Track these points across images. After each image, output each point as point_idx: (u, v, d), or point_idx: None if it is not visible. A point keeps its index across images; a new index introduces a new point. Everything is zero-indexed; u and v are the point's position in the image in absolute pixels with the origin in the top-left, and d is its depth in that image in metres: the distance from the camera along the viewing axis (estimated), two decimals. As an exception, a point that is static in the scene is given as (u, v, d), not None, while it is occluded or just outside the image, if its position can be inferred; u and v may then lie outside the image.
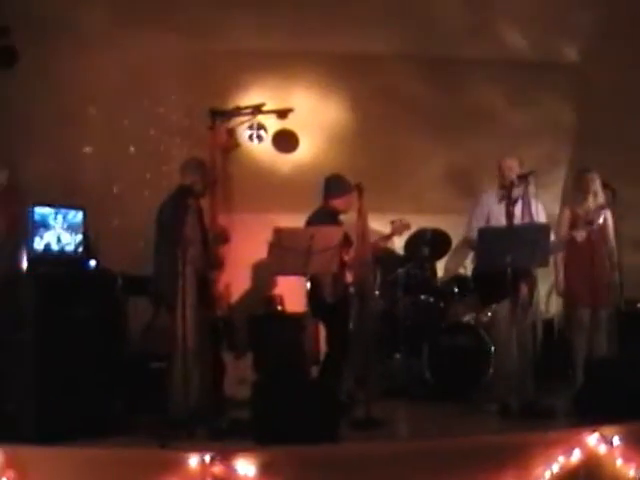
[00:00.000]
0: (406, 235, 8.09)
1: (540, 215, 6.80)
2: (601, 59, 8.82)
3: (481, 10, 8.60)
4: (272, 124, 8.49)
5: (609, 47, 8.64)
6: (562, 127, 9.48)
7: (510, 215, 6.71)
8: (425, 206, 9.00)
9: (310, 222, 6.87)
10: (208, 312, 6.48)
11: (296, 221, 7.14)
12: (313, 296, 6.42)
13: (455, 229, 8.67)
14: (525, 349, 6.47)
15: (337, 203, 7.05)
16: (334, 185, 7.09)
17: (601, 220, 7.08)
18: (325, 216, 6.93)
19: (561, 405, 6.31)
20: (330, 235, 6.24)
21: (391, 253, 8.29)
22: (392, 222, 7.43)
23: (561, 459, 5.23)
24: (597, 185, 7.22)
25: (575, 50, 9.06)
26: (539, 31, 8.91)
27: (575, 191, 7.39)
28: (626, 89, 8.73)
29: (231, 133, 8.16)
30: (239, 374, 7.35)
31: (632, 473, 5.27)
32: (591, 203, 7.15)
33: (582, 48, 8.94)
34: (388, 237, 7.47)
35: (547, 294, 8.11)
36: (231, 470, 4.92)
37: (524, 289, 6.56)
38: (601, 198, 7.18)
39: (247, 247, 8.06)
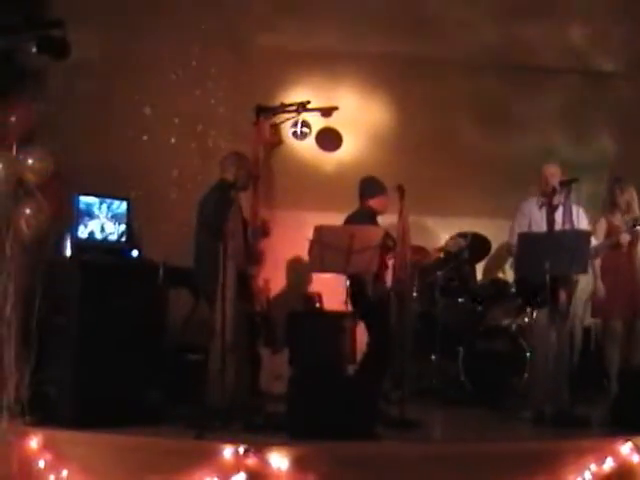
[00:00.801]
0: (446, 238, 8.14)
1: (581, 222, 6.79)
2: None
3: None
4: (316, 122, 8.54)
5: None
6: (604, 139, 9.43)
7: (551, 221, 6.74)
8: (466, 209, 8.98)
9: (348, 223, 6.94)
10: (247, 307, 6.54)
11: (336, 220, 7.18)
12: (354, 295, 6.46)
13: (496, 234, 8.69)
14: (562, 356, 6.45)
15: (373, 203, 7.19)
16: (368, 186, 7.26)
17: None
18: (363, 217, 7.02)
19: (595, 414, 6.26)
20: (371, 235, 6.28)
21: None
22: (447, 242, 7.69)
23: (593, 467, 5.23)
24: (631, 196, 7.23)
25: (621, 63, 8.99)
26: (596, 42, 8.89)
27: (609, 201, 7.39)
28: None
29: (275, 129, 8.21)
30: (275, 370, 7.41)
31: (664, 484, 5.25)
32: (626, 213, 7.17)
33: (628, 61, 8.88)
34: (440, 250, 7.54)
35: (585, 302, 8.06)
36: (264, 463, 4.97)
37: (563, 295, 6.54)
38: (636, 209, 7.19)
39: (287, 244, 8.13)
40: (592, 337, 8.32)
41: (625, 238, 7.06)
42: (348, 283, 6.28)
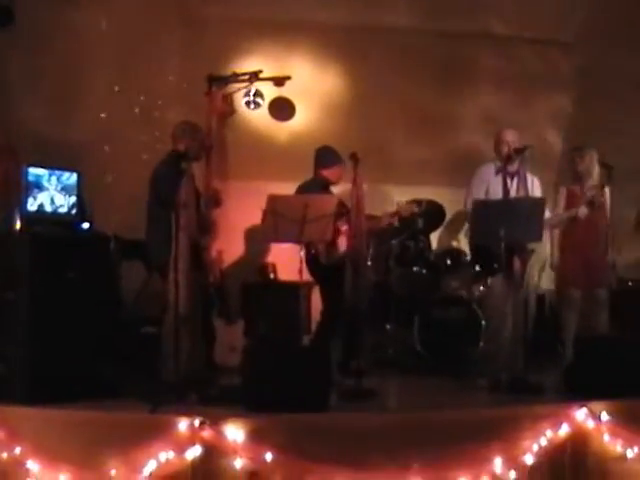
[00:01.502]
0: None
1: (536, 190, 6.80)
2: (600, 42, 8.77)
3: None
4: (269, 92, 8.44)
5: (608, 30, 8.59)
6: (558, 109, 9.45)
7: (506, 188, 6.71)
8: (420, 178, 8.97)
9: (299, 191, 6.89)
10: (200, 278, 6.47)
11: (290, 189, 7.14)
12: (310, 263, 6.42)
13: (450, 202, 8.69)
14: (517, 324, 6.45)
15: (327, 174, 7.18)
16: (324, 156, 7.22)
17: (602, 198, 7.08)
18: (315, 186, 6.98)
19: (550, 381, 6.30)
20: (324, 204, 6.23)
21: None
22: (398, 203, 7.46)
23: (549, 433, 5.26)
24: (592, 162, 7.21)
25: (572, 32, 8.97)
26: (539, 9, 8.84)
27: (570, 170, 7.38)
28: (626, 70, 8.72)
29: (227, 99, 8.08)
30: (230, 341, 7.37)
31: (619, 448, 5.30)
32: (587, 182, 7.16)
33: (580, 30, 8.85)
34: (392, 215, 7.49)
35: (539, 270, 8.10)
36: (220, 435, 4.95)
37: (517, 263, 6.54)
38: (596, 177, 7.19)
39: (240, 214, 8.08)
40: (546, 305, 8.38)
41: (583, 212, 7.04)
42: (303, 252, 6.24)
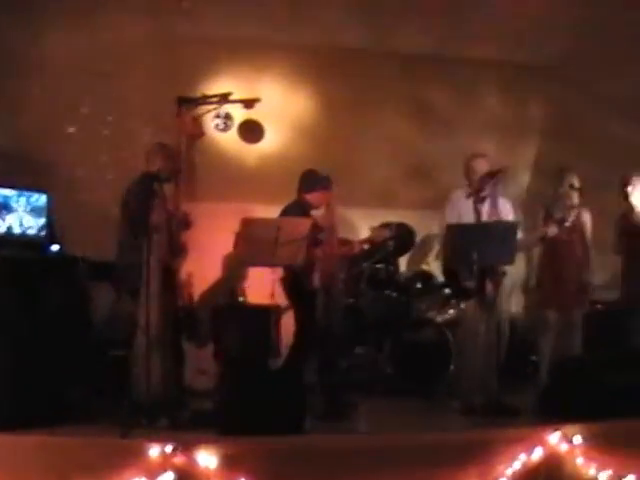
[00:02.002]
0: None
1: (508, 213, 6.81)
2: (574, 60, 8.85)
3: (456, 6, 8.56)
4: (238, 114, 8.42)
5: (583, 48, 8.67)
6: (531, 127, 9.53)
7: (478, 212, 6.72)
8: (391, 200, 9.00)
9: (282, 214, 6.83)
10: (170, 301, 6.39)
11: (259, 211, 7.14)
12: (290, 286, 6.39)
13: (419, 225, 8.72)
14: (490, 347, 6.45)
15: (311, 198, 7.08)
16: (309, 180, 7.12)
17: (571, 219, 7.10)
18: (297, 210, 6.91)
19: (525, 403, 6.30)
20: (298, 226, 6.20)
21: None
22: (371, 229, 7.44)
23: (523, 457, 5.22)
24: (573, 185, 7.25)
25: (551, 57, 9.04)
26: (514, 30, 8.90)
27: (553, 190, 7.40)
28: (597, 89, 8.80)
29: (197, 121, 8.04)
30: (199, 365, 7.29)
31: (592, 472, 5.28)
32: (567, 202, 7.20)
33: (555, 49, 8.92)
34: (365, 242, 7.48)
35: (508, 293, 8.11)
36: (192, 461, 4.84)
37: (490, 287, 6.54)
38: (576, 198, 7.22)
39: (210, 236, 8.00)
40: (516, 327, 8.38)
41: (552, 231, 7.07)
42: (282, 275, 6.20)
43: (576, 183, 7.17)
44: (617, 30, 8.53)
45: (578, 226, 7.21)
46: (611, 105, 8.88)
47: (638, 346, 7.27)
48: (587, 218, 7.33)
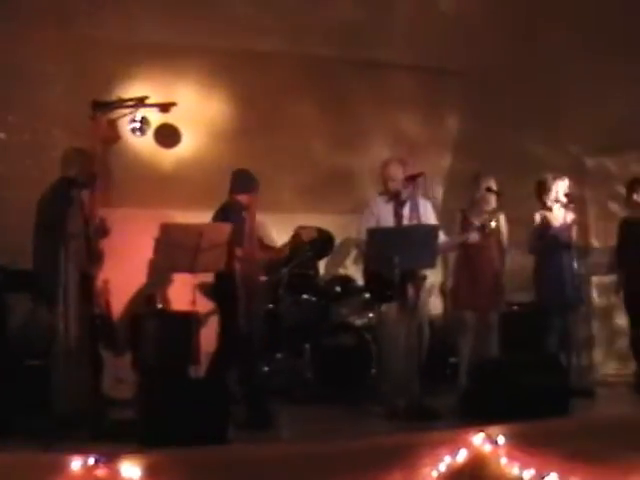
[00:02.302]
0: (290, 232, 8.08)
1: (429, 216, 6.85)
2: (491, 68, 8.98)
3: (370, 10, 8.59)
4: (154, 118, 8.29)
5: (499, 56, 8.81)
6: (446, 133, 9.63)
7: (398, 216, 6.75)
8: (308, 205, 8.98)
9: (216, 217, 6.66)
10: (88, 309, 6.25)
11: (175, 217, 7.02)
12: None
13: (337, 229, 8.72)
14: (411, 350, 6.47)
15: (243, 199, 6.81)
16: (243, 181, 6.86)
17: (493, 224, 7.18)
18: (231, 212, 6.68)
19: (446, 406, 6.34)
20: (219, 232, 6.13)
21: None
22: (298, 228, 7.32)
23: (448, 459, 5.28)
24: (491, 188, 7.33)
25: (466, 60, 9.15)
26: (428, 36, 8.98)
27: (469, 196, 7.48)
28: (510, 97, 8.95)
29: (112, 125, 7.89)
30: (117, 373, 7.17)
31: (515, 471, 5.36)
32: (484, 207, 7.29)
33: (471, 56, 9.03)
34: (288, 245, 7.42)
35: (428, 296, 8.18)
36: (115, 473, 4.75)
37: (411, 290, 6.57)
38: (493, 202, 7.31)
39: (125, 242, 7.84)
40: (435, 329, 8.45)
41: (473, 237, 7.14)
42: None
43: (493, 186, 7.26)
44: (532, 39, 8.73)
45: (494, 229, 7.28)
46: (524, 113, 9.07)
47: (552, 347, 7.44)
48: (503, 222, 7.43)
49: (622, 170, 9.01)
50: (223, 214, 6.65)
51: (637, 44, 8.47)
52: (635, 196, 7.91)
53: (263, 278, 7.48)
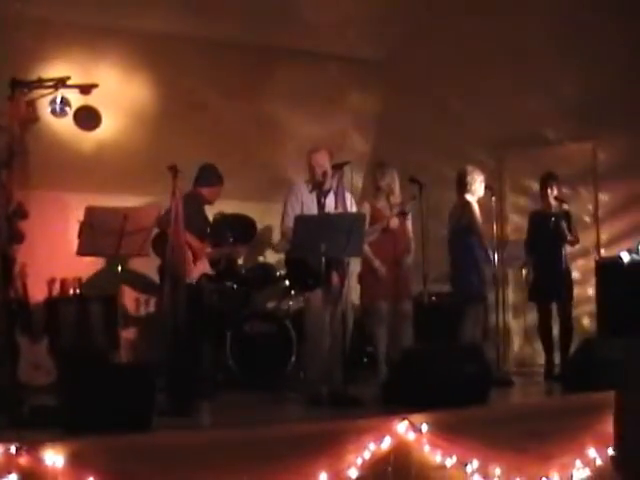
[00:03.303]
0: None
1: (352, 206, 6.88)
2: (408, 57, 9.06)
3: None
4: (75, 100, 8.12)
5: (417, 46, 8.90)
6: (366, 122, 9.68)
7: (322, 205, 6.76)
8: (227, 191, 8.91)
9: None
10: (6, 292, 6.10)
11: (94, 200, 6.86)
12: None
13: (256, 217, 8.70)
14: (335, 337, 6.50)
15: (207, 192, 7.25)
16: (205, 174, 7.30)
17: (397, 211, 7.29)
18: (193, 203, 6.97)
19: (368, 394, 6.38)
20: (145, 215, 6.08)
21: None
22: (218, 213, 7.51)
23: (372, 446, 5.29)
24: (392, 179, 7.41)
25: (383, 47, 9.21)
26: (348, 26, 9.01)
27: (373, 186, 7.54)
28: (430, 88, 9.05)
29: (31, 105, 7.69)
30: (34, 359, 7.02)
31: (438, 459, 5.43)
32: (391, 198, 7.36)
33: (391, 45, 9.11)
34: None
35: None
36: (38, 461, 4.64)
37: (336, 278, 6.59)
38: (398, 193, 7.39)
39: (41, 225, 7.68)
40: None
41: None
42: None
43: (395, 177, 7.35)
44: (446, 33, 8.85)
45: (401, 222, 7.37)
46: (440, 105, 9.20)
47: (468, 336, 7.57)
48: (409, 223, 7.50)
49: (536, 164, 9.20)
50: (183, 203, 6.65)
51: (557, 42, 8.68)
52: (549, 190, 8.09)
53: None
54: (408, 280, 7.39)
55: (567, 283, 7.91)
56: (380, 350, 7.21)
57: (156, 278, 7.46)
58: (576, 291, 8.18)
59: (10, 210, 6.11)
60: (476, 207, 7.77)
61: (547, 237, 7.87)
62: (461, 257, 7.79)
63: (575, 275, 8.37)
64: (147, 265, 7.55)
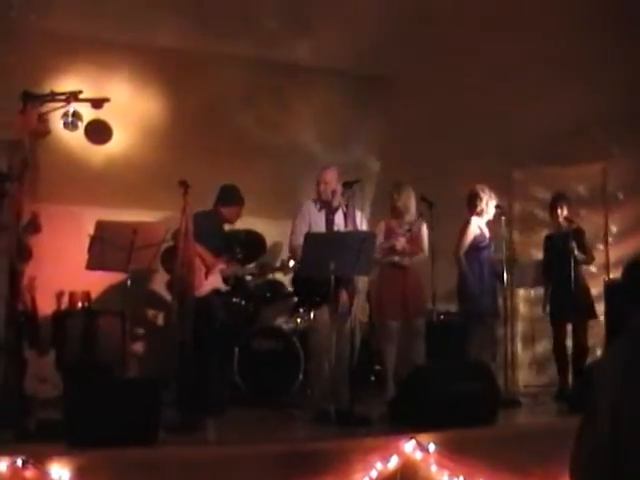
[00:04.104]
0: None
1: (363, 224, 6.87)
2: (417, 76, 9.05)
3: (300, 13, 8.59)
4: (86, 113, 8.13)
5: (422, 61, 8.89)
6: (373, 140, 9.68)
7: (330, 223, 6.75)
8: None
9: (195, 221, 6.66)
10: (14, 306, 6.10)
11: (104, 214, 6.89)
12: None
13: (266, 233, 8.69)
14: (343, 356, 6.47)
15: (226, 212, 7.30)
16: (227, 194, 7.35)
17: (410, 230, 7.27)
18: (210, 220, 7.10)
19: (375, 412, 6.35)
20: (154, 230, 6.09)
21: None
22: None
23: (379, 465, 5.28)
24: (409, 198, 7.41)
25: (392, 67, 9.21)
26: (357, 41, 9.01)
27: (389, 205, 7.53)
28: (434, 106, 9.04)
29: (43, 118, 7.72)
30: (40, 373, 7.01)
31: (445, 479, 5.40)
32: (406, 216, 7.35)
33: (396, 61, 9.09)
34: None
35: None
36: (44, 474, 4.64)
37: (344, 296, 6.57)
38: (414, 212, 7.38)
39: (51, 238, 7.69)
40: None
41: (401, 243, 7.21)
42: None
43: (411, 196, 7.35)
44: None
45: (416, 238, 7.37)
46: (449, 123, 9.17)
47: (476, 355, 7.53)
48: (424, 229, 7.50)
49: (546, 184, 9.17)
50: (202, 220, 6.77)
51: (567, 60, 8.66)
52: (559, 211, 8.08)
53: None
54: (419, 298, 7.36)
55: (584, 302, 7.87)
56: (388, 368, 7.18)
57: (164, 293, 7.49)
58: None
59: (22, 224, 6.13)
60: (474, 227, 7.75)
61: (560, 257, 7.85)
62: (465, 274, 7.78)
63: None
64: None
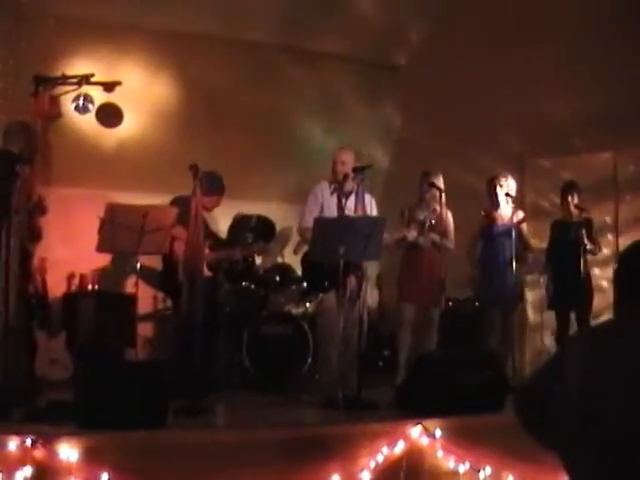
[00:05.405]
0: (229, 219, 8.08)
1: (373, 210, 6.86)
2: (428, 64, 9.04)
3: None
4: (97, 97, 8.16)
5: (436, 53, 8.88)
6: (386, 129, 9.67)
7: (342, 207, 6.75)
8: (246, 192, 8.93)
9: (173, 203, 6.66)
10: (26, 287, 6.14)
11: (115, 197, 6.92)
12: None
13: (276, 218, 8.69)
14: (350, 341, 6.48)
15: (207, 200, 6.83)
16: (208, 182, 6.78)
17: (432, 221, 7.23)
18: (187, 207, 6.64)
19: (383, 398, 6.36)
20: (165, 214, 6.09)
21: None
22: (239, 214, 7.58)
23: (385, 450, 5.30)
24: (435, 184, 7.33)
25: (404, 54, 9.20)
26: (369, 31, 9.01)
27: (418, 195, 7.49)
28: (451, 97, 9.02)
29: (55, 101, 7.73)
30: (50, 354, 7.06)
31: (451, 465, 5.42)
32: (432, 205, 7.32)
33: (412, 53, 9.10)
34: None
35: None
36: (53, 455, 4.67)
37: (353, 281, 6.57)
38: (438, 198, 7.32)
39: (63, 221, 7.75)
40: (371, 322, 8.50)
41: (412, 235, 7.16)
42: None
43: (438, 183, 7.29)
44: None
45: (439, 226, 7.30)
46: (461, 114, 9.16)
47: (488, 343, 7.52)
48: (449, 218, 7.47)
49: (558, 172, 9.15)
50: (179, 206, 6.65)
51: (580, 51, 8.63)
52: (570, 199, 8.05)
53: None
54: (438, 287, 7.28)
55: (587, 292, 7.86)
56: (402, 354, 7.16)
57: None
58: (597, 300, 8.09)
59: (30, 206, 6.14)
60: (504, 212, 7.72)
61: (567, 246, 7.81)
62: (481, 262, 7.77)
63: (604, 284, 8.30)
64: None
